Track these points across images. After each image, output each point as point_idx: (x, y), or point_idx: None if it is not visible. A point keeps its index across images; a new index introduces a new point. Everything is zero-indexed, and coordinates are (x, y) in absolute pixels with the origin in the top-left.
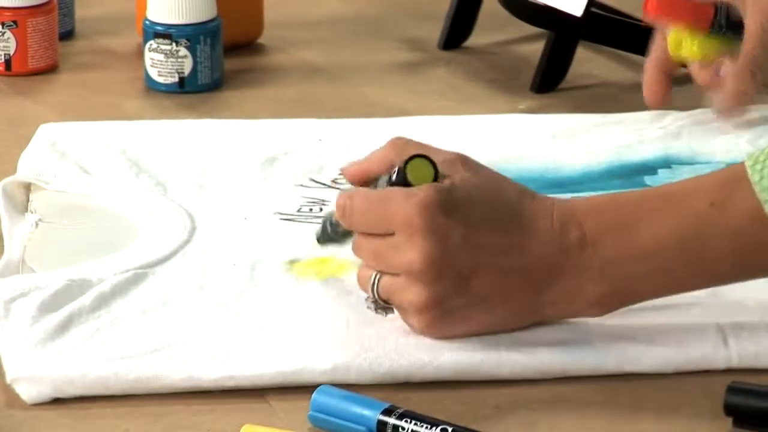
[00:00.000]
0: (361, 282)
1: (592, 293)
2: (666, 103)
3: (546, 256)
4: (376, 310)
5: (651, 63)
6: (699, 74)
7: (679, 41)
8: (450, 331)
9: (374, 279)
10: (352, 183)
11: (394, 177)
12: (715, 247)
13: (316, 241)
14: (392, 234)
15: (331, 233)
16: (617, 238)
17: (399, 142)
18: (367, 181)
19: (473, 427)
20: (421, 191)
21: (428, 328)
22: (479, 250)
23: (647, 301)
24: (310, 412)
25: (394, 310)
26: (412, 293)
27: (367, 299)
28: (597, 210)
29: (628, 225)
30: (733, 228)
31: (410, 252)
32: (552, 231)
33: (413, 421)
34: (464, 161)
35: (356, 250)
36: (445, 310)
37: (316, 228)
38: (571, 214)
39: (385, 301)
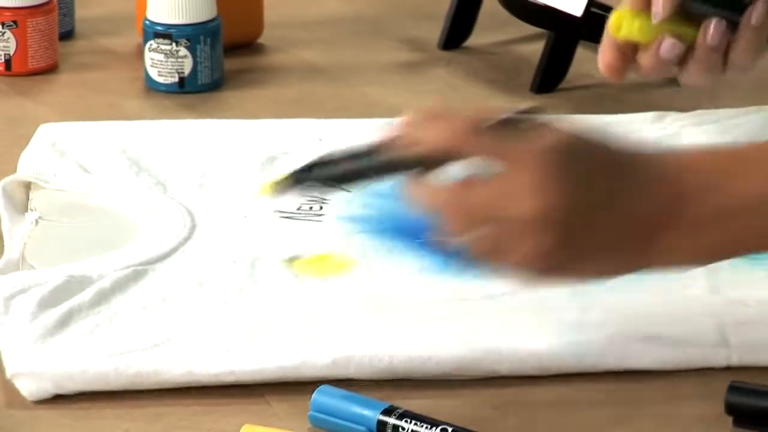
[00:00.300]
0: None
1: (701, 244)
2: (621, 78)
3: (655, 205)
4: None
5: (606, 36)
6: (641, 58)
7: (619, 22)
8: (562, 274)
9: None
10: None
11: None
12: None
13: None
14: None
15: (338, 175)
16: (729, 187)
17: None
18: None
19: (473, 427)
20: (541, 141)
21: (544, 273)
22: (599, 197)
23: (753, 253)
24: (310, 412)
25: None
26: (532, 240)
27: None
28: (709, 159)
29: (741, 174)
30: None
31: (533, 196)
32: (662, 180)
33: (413, 421)
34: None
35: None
36: (561, 256)
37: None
38: (683, 164)
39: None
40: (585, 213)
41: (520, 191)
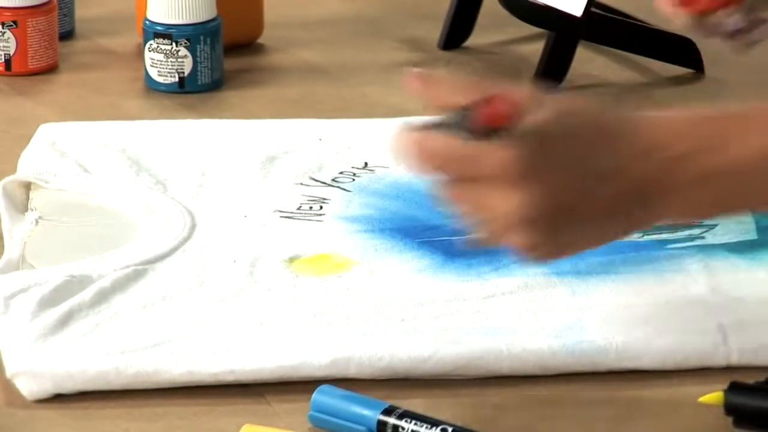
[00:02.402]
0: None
1: (694, 203)
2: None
3: (644, 171)
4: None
5: None
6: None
7: None
8: (563, 256)
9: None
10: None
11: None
12: None
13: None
14: (487, 180)
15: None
16: (721, 147)
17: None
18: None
19: (473, 427)
20: (512, 140)
21: (541, 260)
22: (581, 182)
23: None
24: (310, 412)
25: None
26: (520, 237)
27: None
28: (696, 121)
29: (732, 135)
30: None
31: (513, 197)
32: (648, 145)
33: (413, 421)
34: (539, 97)
35: (454, 198)
36: (557, 243)
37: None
38: (670, 129)
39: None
40: (570, 200)
41: (501, 192)
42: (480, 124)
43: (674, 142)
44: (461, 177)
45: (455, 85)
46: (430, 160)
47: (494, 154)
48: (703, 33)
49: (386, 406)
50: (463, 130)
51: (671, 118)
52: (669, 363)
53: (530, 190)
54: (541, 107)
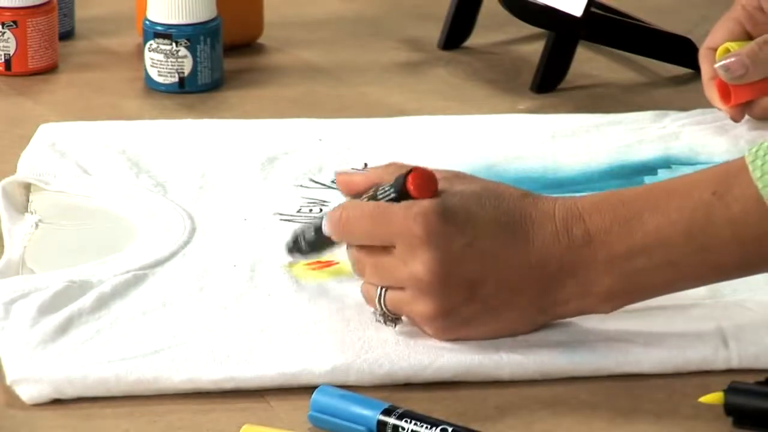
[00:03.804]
0: (367, 297)
1: (601, 288)
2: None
3: (551, 256)
4: (385, 322)
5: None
6: None
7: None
8: (465, 335)
9: (380, 293)
10: (344, 192)
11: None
12: (720, 236)
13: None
14: (392, 247)
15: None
16: (622, 231)
17: (394, 165)
18: (359, 192)
19: (473, 427)
20: (421, 203)
21: (442, 334)
22: (483, 256)
23: (656, 296)
24: (310, 413)
25: (403, 319)
26: (419, 305)
27: (374, 312)
28: (600, 205)
29: (632, 218)
30: (735, 217)
31: (413, 264)
32: (555, 230)
33: (413, 421)
34: (461, 176)
35: (355, 265)
36: (456, 319)
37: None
38: (574, 212)
39: (394, 313)
40: (471, 273)
41: (406, 256)
42: (406, 192)
43: (590, 219)
44: (372, 236)
45: (373, 172)
46: (348, 221)
47: (405, 212)
48: (755, 118)
49: (386, 407)
50: (390, 199)
51: (586, 197)
52: (669, 368)
53: (434, 254)
54: (458, 182)
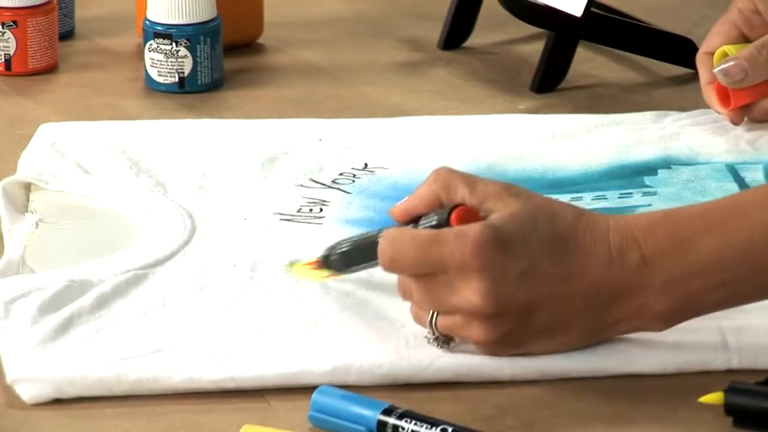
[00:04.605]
0: (418, 320)
1: (655, 311)
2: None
3: (605, 281)
4: (439, 345)
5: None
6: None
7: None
8: (515, 353)
9: (432, 317)
10: (400, 222)
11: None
12: None
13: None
14: (444, 273)
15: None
16: (678, 255)
17: (441, 174)
18: (413, 219)
19: (473, 427)
20: (472, 229)
21: (495, 354)
22: (537, 283)
23: (710, 314)
24: (310, 413)
25: (456, 339)
26: (473, 331)
27: (426, 336)
28: (655, 228)
29: (687, 241)
30: None
31: (467, 292)
32: (610, 256)
33: (413, 421)
34: (512, 191)
35: (404, 292)
36: (510, 341)
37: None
38: (629, 235)
39: (446, 335)
40: (525, 300)
41: (459, 284)
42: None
43: (645, 242)
44: (423, 266)
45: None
46: (396, 254)
47: (457, 240)
48: (754, 121)
49: (386, 406)
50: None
51: (640, 218)
52: (669, 368)
53: (488, 283)
54: (511, 202)
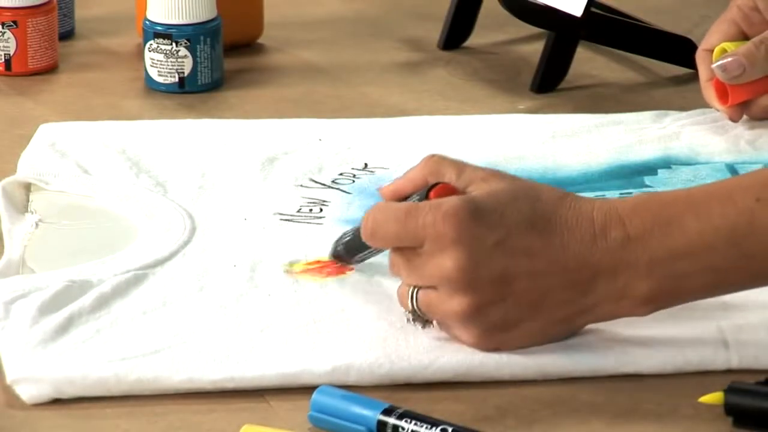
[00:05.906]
0: (401, 298)
1: (640, 291)
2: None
3: (587, 257)
4: (414, 322)
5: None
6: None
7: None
8: (502, 343)
9: (412, 291)
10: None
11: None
12: (763, 243)
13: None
14: (422, 246)
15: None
16: (663, 235)
17: (432, 160)
18: (400, 200)
19: (473, 427)
20: (448, 201)
21: (478, 341)
22: (514, 254)
23: (694, 300)
24: (310, 413)
25: (434, 323)
26: (451, 303)
27: (406, 312)
28: (641, 208)
29: (674, 221)
30: None
31: (444, 261)
32: (593, 233)
33: (413, 421)
34: (500, 175)
35: (391, 267)
36: (490, 319)
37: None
38: (614, 214)
39: (425, 314)
40: (502, 270)
41: (436, 254)
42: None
43: (630, 221)
44: (400, 236)
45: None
46: (376, 223)
47: (434, 210)
48: (753, 118)
49: (386, 407)
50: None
51: (626, 199)
52: (669, 368)
53: (463, 251)
54: (495, 181)
